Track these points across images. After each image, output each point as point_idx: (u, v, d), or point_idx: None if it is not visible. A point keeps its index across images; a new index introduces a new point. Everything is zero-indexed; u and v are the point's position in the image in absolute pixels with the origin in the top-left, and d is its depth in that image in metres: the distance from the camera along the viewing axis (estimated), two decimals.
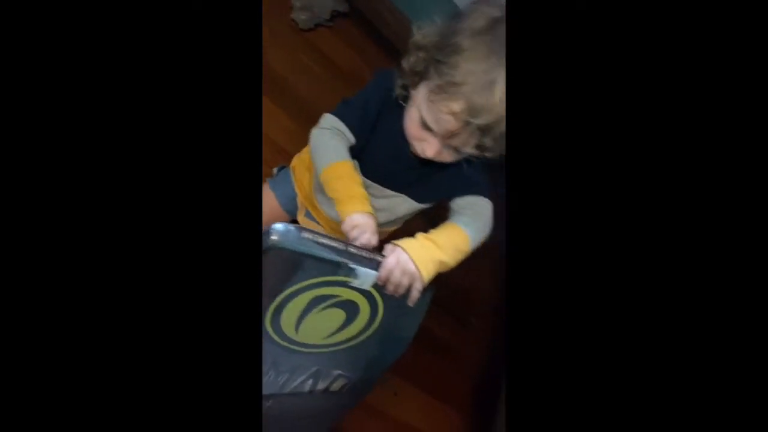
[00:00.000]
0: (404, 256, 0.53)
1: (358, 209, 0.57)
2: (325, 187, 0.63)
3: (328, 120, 0.66)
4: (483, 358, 1.21)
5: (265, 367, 0.56)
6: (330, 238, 0.51)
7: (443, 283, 1.17)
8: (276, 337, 0.54)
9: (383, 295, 0.56)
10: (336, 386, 0.65)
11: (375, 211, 0.68)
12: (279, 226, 0.47)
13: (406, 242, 0.55)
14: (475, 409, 1.13)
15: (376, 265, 0.53)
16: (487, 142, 0.54)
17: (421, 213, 0.76)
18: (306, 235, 0.48)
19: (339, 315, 0.56)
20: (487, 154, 0.59)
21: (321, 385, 0.63)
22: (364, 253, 0.53)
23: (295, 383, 0.61)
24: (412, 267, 0.53)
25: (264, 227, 0.46)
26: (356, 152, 0.67)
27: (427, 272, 0.54)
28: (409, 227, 0.73)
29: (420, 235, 0.57)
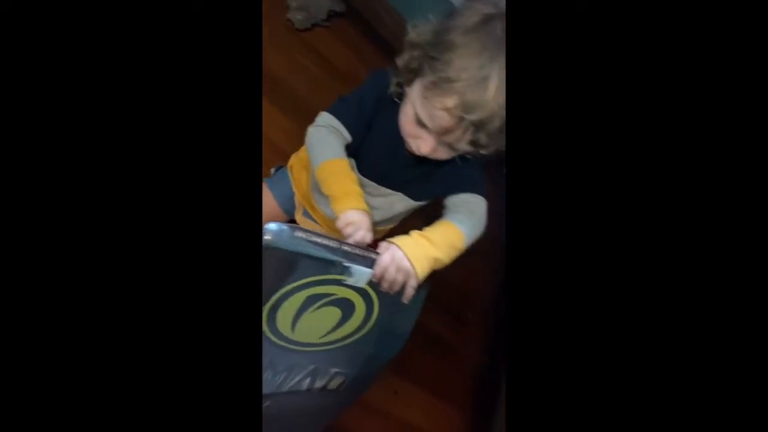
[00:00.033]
0: (399, 253, 0.53)
1: (352, 206, 0.58)
2: (320, 185, 0.63)
3: (324, 118, 0.66)
4: (482, 356, 1.21)
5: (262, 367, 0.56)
6: (324, 236, 0.51)
7: (441, 281, 1.17)
8: (272, 337, 0.54)
9: (378, 293, 0.56)
10: (334, 384, 0.65)
11: (371, 209, 0.69)
12: (272, 225, 0.47)
13: (400, 239, 0.55)
14: (475, 407, 1.13)
15: (370, 263, 0.53)
16: (482, 138, 0.54)
17: (418, 211, 0.76)
18: (299, 234, 0.49)
19: (335, 313, 0.56)
20: (482, 151, 0.59)
21: (318, 384, 0.63)
22: (358, 251, 0.53)
23: (293, 382, 0.61)
24: (406, 264, 0.53)
25: None
26: (353, 150, 0.67)
27: (422, 269, 0.54)
28: (406, 225, 0.74)
29: (414, 233, 0.57)
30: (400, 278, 0.53)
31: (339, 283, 0.53)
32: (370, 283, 0.54)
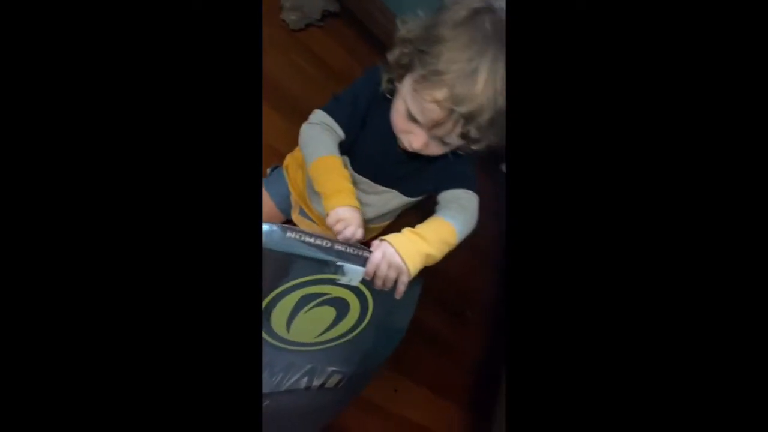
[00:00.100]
0: (390, 250, 0.53)
1: (343, 203, 0.58)
2: (313, 182, 0.63)
3: (318, 115, 0.67)
4: (481, 353, 1.21)
5: None
6: (316, 236, 0.51)
7: (440, 279, 1.18)
8: (268, 337, 0.55)
9: (372, 291, 0.56)
10: (332, 383, 0.65)
11: (366, 206, 0.69)
12: (264, 227, 0.48)
13: (392, 236, 0.55)
14: (475, 404, 1.13)
15: (363, 262, 0.53)
16: (472, 131, 0.54)
17: (414, 207, 0.76)
18: (291, 234, 0.49)
19: (329, 312, 0.57)
20: (473, 146, 0.59)
21: (316, 382, 0.64)
22: (350, 250, 0.54)
23: (290, 382, 0.61)
24: (398, 260, 0.53)
25: None
26: (346, 148, 0.68)
27: (414, 265, 0.54)
28: (401, 222, 0.74)
29: (406, 230, 0.57)
30: (391, 275, 0.53)
31: (332, 282, 0.53)
32: (364, 282, 0.55)
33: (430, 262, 0.57)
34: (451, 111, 0.52)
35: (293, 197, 0.82)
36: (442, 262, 0.60)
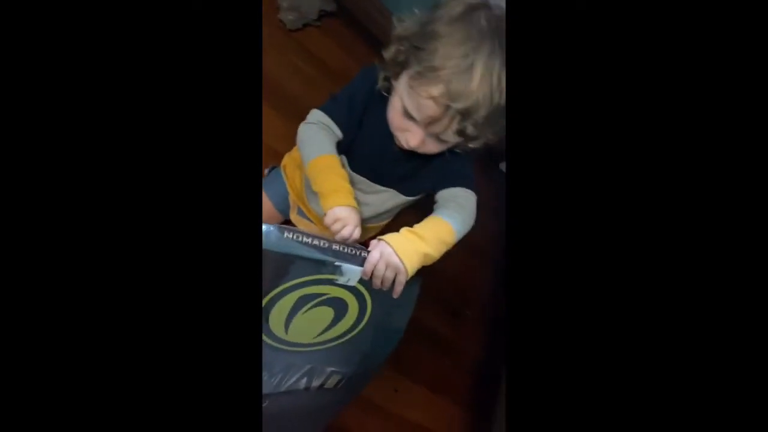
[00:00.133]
0: (388, 249, 0.53)
1: (340, 203, 0.58)
2: (310, 182, 0.63)
3: (315, 115, 0.67)
4: (481, 353, 1.21)
5: None
6: (313, 236, 0.51)
7: (439, 278, 1.18)
8: (266, 339, 0.54)
9: (371, 291, 0.56)
10: (331, 383, 0.65)
11: (364, 206, 0.69)
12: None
13: (390, 236, 0.55)
14: (475, 403, 1.13)
15: (360, 261, 0.53)
16: (468, 128, 0.54)
17: (412, 206, 0.76)
18: (288, 235, 0.49)
19: (327, 313, 0.56)
20: (470, 144, 0.59)
21: (316, 383, 0.64)
22: (348, 250, 0.53)
23: (289, 383, 0.61)
24: (395, 259, 0.53)
25: None
26: (344, 147, 0.68)
27: (411, 265, 0.54)
28: (400, 221, 0.74)
29: (404, 229, 0.57)
30: (389, 274, 0.53)
31: (330, 282, 0.53)
32: (363, 282, 0.54)
33: (428, 262, 0.57)
34: (447, 107, 0.52)
35: (291, 197, 0.82)
36: (441, 262, 0.59)
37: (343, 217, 0.57)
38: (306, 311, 0.54)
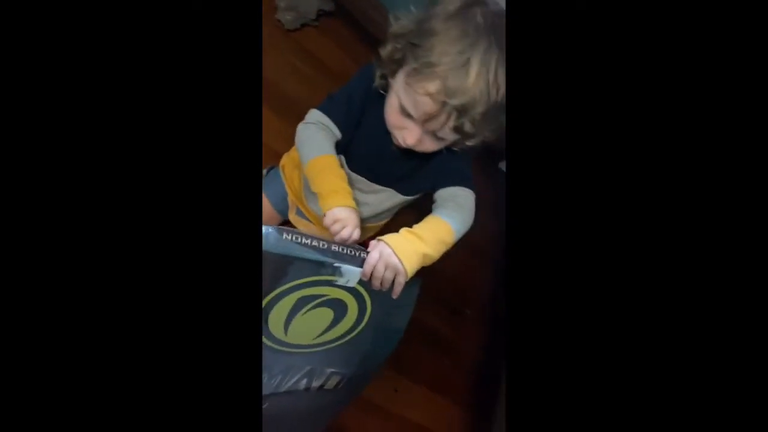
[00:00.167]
0: (387, 250, 0.53)
1: (339, 203, 0.58)
2: (309, 182, 0.63)
3: (314, 115, 0.66)
4: (480, 352, 1.21)
5: None
6: (312, 237, 0.51)
7: (438, 277, 1.17)
8: (266, 340, 0.54)
9: (370, 292, 0.56)
10: (331, 384, 0.65)
11: (362, 205, 0.69)
12: None
13: (389, 237, 0.55)
14: (475, 403, 1.13)
15: (360, 262, 0.53)
16: (466, 125, 0.54)
17: (410, 206, 0.76)
18: (287, 236, 0.49)
19: (327, 314, 0.56)
20: (468, 142, 0.59)
21: (316, 384, 0.63)
22: (347, 251, 0.53)
23: (289, 384, 0.61)
24: (395, 260, 0.53)
25: None
26: (342, 147, 0.68)
27: (411, 265, 0.54)
28: (399, 221, 0.74)
29: (404, 230, 0.57)
30: (388, 275, 0.53)
31: (330, 283, 0.53)
32: (362, 283, 0.54)
33: (428, 262, 0.57)
34: (444, 103, 0.52)
35: (290, 197, 0.81)
36: (441, 261, 0.59)
37: (342, 218, 0.57)
38: (305, 312, 0.54)
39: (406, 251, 0.54)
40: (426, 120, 0.55)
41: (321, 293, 0.53)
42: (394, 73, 0.59)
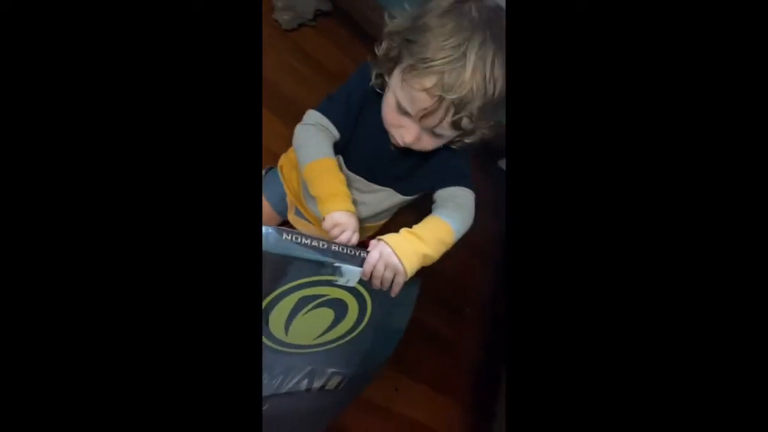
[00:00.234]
0: (387, 250, 0.53)
1: (339, 207, 0.58)
2: (307, 185, 0.63)
3: (312, 116, 0.66)
4: (480, 351, 1.21)
5: None
6: (312, 237, 0.51)
7: (437, 276, 1.17)
8: (266, 341, 0.54)
9: (370, 292, 0.56)
10: (332, 384, 0.65)
11: (361, 205, 0.69)
12: None
13: (389, 237, 0.55)
14: (475, 402, 1.13)
15: (360, 262, 0.53)
16: (464, 120, 0.54)
17: (410, 206, 0.76)
18: (287, 236, 0.48)
19: (327, 314, 0.56)
20: (467, 139, 0.59)
21: (316, 384, 0.63)
22: (347, 251, 0.53)
23: (290, 384, 0.61)
24: (394, 260, 0.53)
25: None
26: (341, 147, 0.67)
27: (411, 265, 0.54)
28: (398, 221, 0.74)
29: (404, 230, 0.57)
30: (388, 275, 0.53)
31: (330, 283, 0.53)
32: (362, 283, 0.54)
33: (428, 263, 0.57)
34: (441, 99, 0.52)
35: (289, 198, 0.81)
36: (441, 261, 0.59)
37: (342, 222, 0.57)
38: (306, 313, 0.54)
39: (406, 251, 0.54)
40: (423, 116, 0.55)
41: (321, 293, 0.53)
42: (390, 72, 0.59)
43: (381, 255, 0.53)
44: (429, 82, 0.52)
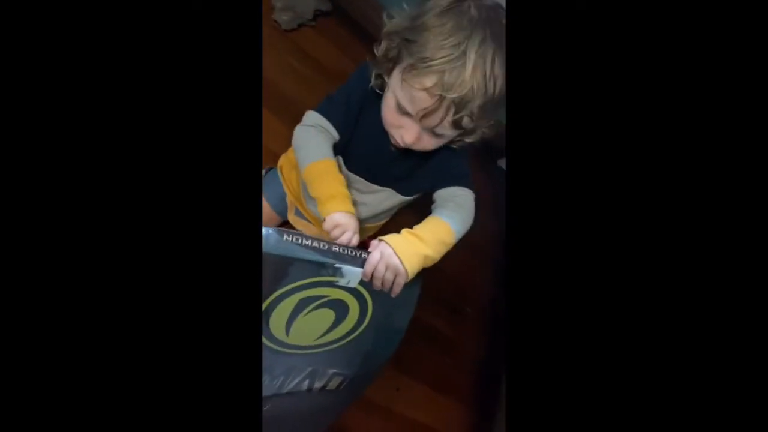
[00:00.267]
0: (388, 250, 0.53)
1: (339, 209, 0.58)
2: (307, 186, 0.63)
3: (312, 117, 0.66)
4: (481, 351, 1.21)
5: None
6: (312, 238, 0.51)
7: (438, 276, 1.17)
8: (267, 341, 0.54)
9: (371, 292, 0.56)
10: (333, 385, 0.65)
11: (361, 206, 0.69)
12: None
13: (390, 237, 0.55)
14: (476, 401, 1.13)
15: (360, 263, 0.53)
16: (464, 120, 0.54)
17: (410, 206, 0.76)
18: (287, 237, 0.48)
19: (328, 315, 0.56)
20: (467, 139, 0.59)
21: (317, 385, 0.63)
22: (348, 252, 0.53)
23: (291, 385, 0.61)
24: (395, 260, 0.53)
25: None
26: (340, 147, 0.67)
27: (411, 266, 0.54)
28: (398, 221, 0.74)
29: (405, 231, 0.57)
30: (389, 276, 0.53)
31: (331, 284, 0.53)
32: (363, 283, 0.54)
33: (428, 264, 0.57)
34: (441, 98, 0.52)
35: (288, 198, 0.81)
36: (441, 261, 0.59)
37: (342, 223, 0.56)
38: (307, 314, 0.54)
39: (407, 252, 0.54)
40: (424, 116, 0.55)
41: (322, 294, 0.53)
42: (390, 72, 0.59)
43: (382, 256, 0.53)
44: (429, 81, 0.52)
